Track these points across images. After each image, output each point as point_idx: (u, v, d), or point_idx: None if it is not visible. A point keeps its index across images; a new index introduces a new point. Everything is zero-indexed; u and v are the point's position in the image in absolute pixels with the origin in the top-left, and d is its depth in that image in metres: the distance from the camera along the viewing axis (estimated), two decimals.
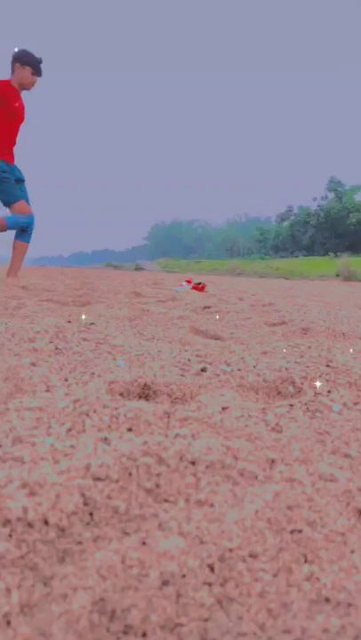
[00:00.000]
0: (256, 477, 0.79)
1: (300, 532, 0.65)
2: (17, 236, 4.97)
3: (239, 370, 1.41)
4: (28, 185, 4.99)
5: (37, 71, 4.69)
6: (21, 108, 4.76)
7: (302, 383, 1.32)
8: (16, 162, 4.87)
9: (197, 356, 1.57)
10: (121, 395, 1.19)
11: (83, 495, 0.67)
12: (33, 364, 1.33)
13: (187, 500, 0.71)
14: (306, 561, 0.60)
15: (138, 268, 20.12)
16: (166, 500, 0.71)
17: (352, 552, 0.63)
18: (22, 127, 4.85)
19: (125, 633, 0.48)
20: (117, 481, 0.72)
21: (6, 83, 4.62)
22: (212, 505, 0.70)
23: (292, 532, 0.65)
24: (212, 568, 0.57)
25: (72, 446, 0.83)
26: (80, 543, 0.60)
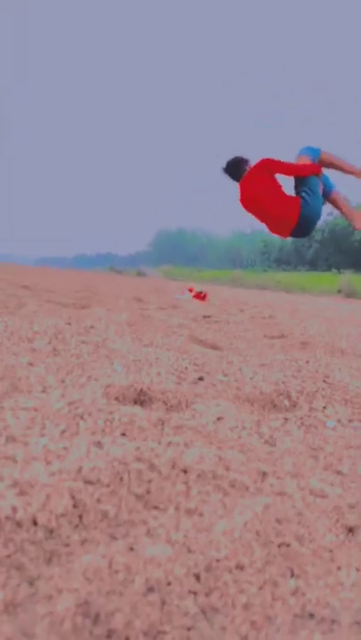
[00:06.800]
0: (247, 489, 0.79)
1: (287, 545, 0.65)
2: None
3: (236, 381, 1.41)
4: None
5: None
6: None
7: (298, 397, 1.33)
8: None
9: (195, 364, 1.57)
10: (116, 399, 1.19)
11: (73, 497, 0.67)
12: (30, 364, 1.33)
13: (177, 508, 0.71)
14: (292, 575, 0.60)
15: (140, 274, 20.17)
16: (156, 507, 0.71)
17: (339, 568, 0.63)
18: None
19: (108, 637, 0.48)
20: (108, 485, 0.72)
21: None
22: (201, 514, 0.70)
23: (280, 545, 0.65)
24: (197, 577, 0.57)
25: (65, 448, 0.83)
26: (68, 545, 0.60)
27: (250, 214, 4.43)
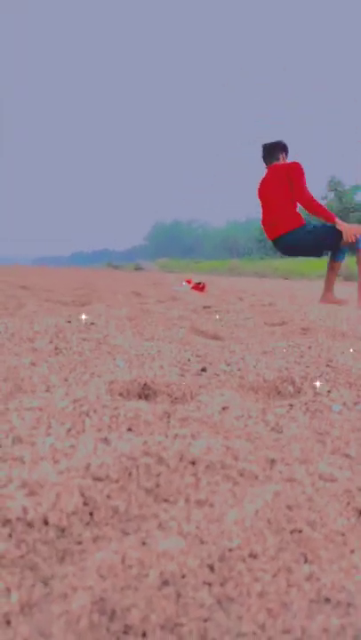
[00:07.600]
0: (256, 477, 0.79)
1: (300, 531, 0.65)
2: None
3: (239, 370, 1.41)
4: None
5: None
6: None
7: (302, 383, 1.32)
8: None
9: (197, 355, 1.57)
10: (121, 395, 1.19)
11: (83, 495, 0.67)
12: (33, 364, 1.33)
13: (187, 500, 0.71)
14: (306, 561, 0.60)
15: (137, 269, 20.15)
16: (166, 500, 0.71)
17: (352, 552, 0.63)
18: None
19: (125, 633, 0.48)
20: (117, 481, 0.72)
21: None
22: (212, 505, 0.70)
23: (291, 531, 0.65)
24: (211, 568, 0.57)
25: (72, 446, 0.83)
26: (80, 543, 0.60)
27: (258, 198, 4.41)
